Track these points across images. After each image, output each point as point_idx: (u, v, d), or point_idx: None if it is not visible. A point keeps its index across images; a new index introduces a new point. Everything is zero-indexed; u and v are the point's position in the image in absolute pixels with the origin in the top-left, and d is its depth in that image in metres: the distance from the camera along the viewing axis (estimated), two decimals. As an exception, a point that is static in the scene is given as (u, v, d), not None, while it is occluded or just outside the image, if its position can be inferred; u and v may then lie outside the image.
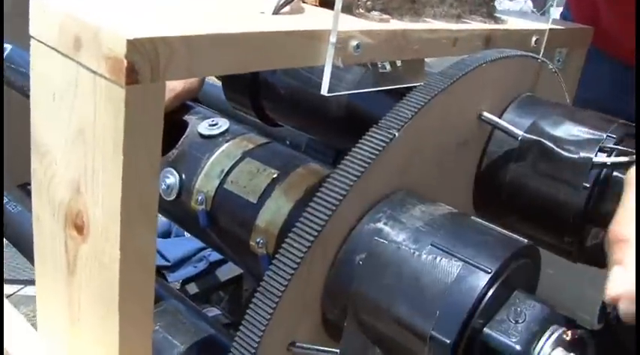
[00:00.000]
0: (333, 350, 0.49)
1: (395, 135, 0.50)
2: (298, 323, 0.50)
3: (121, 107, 0.41)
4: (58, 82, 0.46)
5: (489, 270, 0.45)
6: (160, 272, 1.67)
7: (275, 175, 0.59)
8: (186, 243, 2.19)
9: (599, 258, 0.74)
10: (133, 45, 0.40)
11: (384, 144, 0.49)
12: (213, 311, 1.32)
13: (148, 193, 0.44)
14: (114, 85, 0.41)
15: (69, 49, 0.44)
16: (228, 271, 1.67)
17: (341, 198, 0.47)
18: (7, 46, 0.79)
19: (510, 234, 0.49)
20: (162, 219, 2.44)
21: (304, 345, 0.50)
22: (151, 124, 0.42)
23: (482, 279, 0.44)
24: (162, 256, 1.82)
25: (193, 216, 0.61)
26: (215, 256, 1.73)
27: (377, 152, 0.49)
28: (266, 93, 0.81)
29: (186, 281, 1.68)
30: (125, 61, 0.40)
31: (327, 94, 0.50)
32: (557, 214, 0.59)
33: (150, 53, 0.40)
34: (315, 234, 0.47)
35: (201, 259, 1.79)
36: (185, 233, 2.38)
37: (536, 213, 0.61)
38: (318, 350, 0.50)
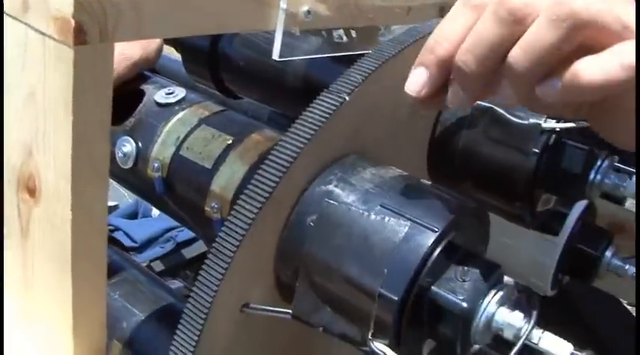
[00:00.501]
0: (286, 310, 0.50)
1: (345, 98, 0.51)
2: (251, 285, 0.51)
3: (70, 68, 0.41)
4: (8, 45, 0.46)
5: (436, 229, 0.46)
6: (127, 253, 1.67)
7: (230, 141, 0.59)
8: (153, 223, 2.18)
9: (551, 225, 0.76)
10: (81, 5, 0.40)
11: (334, 108, 0.50)
12: (176, 284, 1.32)
13: (98, 153, 0.44)
14: (62, 46, 0.41)
15: (17, 11, 0.44)
16: (195, 250, 1.68)
17: (291, 160, 0.48)
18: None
19: (459, 195, 0.50)
20: (128, 200, 2.44)
21: (257, 306, 0.51)
22: (100, 85, 0.43)
23: (430, 238, 0.45)
24: (129, 237, 1.81)
25: (150, 183, 0.61)
26: (182, 236, 1.73)
27: (327, 115, 0.50)
28: (225, 65, 0.81)
29: (152, 260, 1.68)
30: (73, 22, 0.40)
31: (277, 59, 0.51)
32: (508, 179, 0.61)
33: (98, 14, 0.41)
34: (267, 195, 0.47)
35: (168, 240, 1.78)
36: (152, 213, 2.38)
37: (489, 178, 0.62)
38: (270, 310, 0.51)
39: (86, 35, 0.41)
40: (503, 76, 0.43)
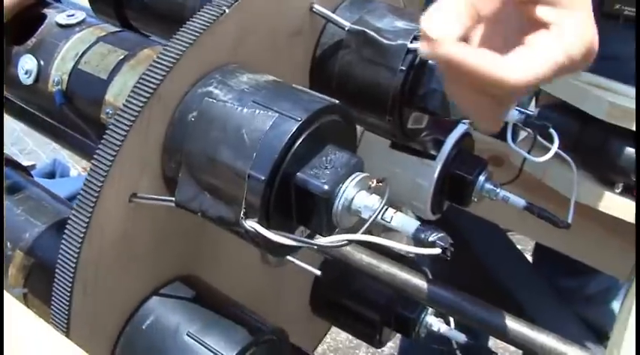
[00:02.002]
0: (170, 198, 0.56)
1: (225, 10, 0.57)
2: (139, 178, 0.56)
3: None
4: None
5: (299, 119, 0.52)
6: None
7: (124, 55, 0.65)
8: (71, 182, 2.21)
9: (430, 151, 0.83)
10: None
11: (214, 18, 0.56)
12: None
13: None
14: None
15: None
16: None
17: (174, 61, 0.54)
18: None
19: (325, 96, 0.57)
20: (45, 161, 2.45)
21: (144, 195, 0.56)
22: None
23: (293, 126, 0.52)
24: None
25: (50, 97, 0.66)
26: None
27: (207, 24, 0.56)
28: (128, 1, 0.85)
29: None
30: None
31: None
32: (379, 96, 0.67)
33: None
34: (151, 91, 0.53)
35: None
36: (70, 173, 2.40)
37: (362, 97, 0.68)
38: (156, 198, 0.56)
39: None
40: None
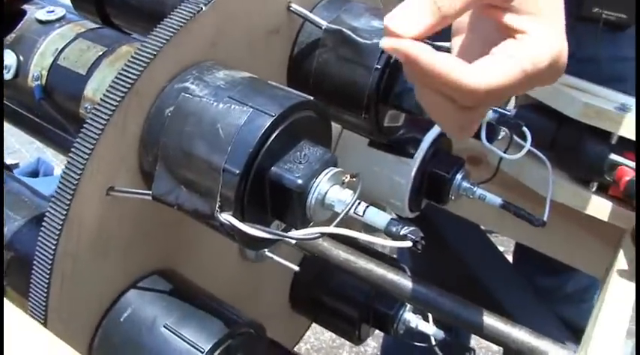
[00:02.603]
0: (147, 192, 0.57)
1: (202, 8, 0.58)
2: (117, 172, 0.57)
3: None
4: None
5: (273, 114, 0.53)
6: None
7: (103, 51, 0.65)
8: (55, 181, 2.21)
9: (407, 149, 0.85)
10: None
11: (191, 15, 0.57)
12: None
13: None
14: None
15: None
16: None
17: (151, 57, 0.55)
18: None
19: (300, 93, 0.58)
20: (29, 159, 2.44)
21: (121, 189, 0.57)
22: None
23: (267, 121, 0.53)
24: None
25: (30, 92, 0.67)
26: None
27: (185, 21, 0.57)
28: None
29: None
30: None
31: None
32: (355, 94, 0.68)
33: None
34: (128, 86, 0.54)
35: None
36: (54, 172, 2.40)
37: (339, 95, 0.69)
38: (133, 192, 0.57)
39: None
40: None
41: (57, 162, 2.43)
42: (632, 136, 0.80)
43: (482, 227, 1.16)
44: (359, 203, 0.55)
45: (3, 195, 0.75)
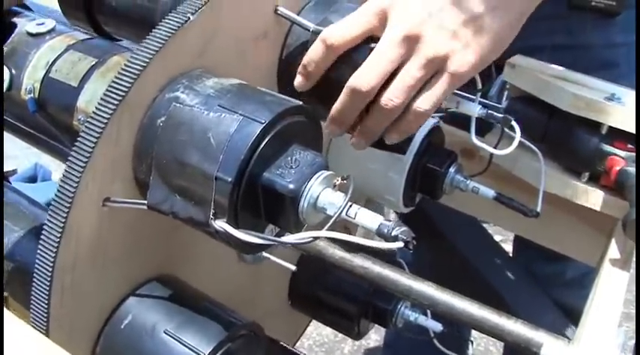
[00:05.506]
0: (142, 202, 0.58)
1: (189, 17, 0.58)
2: (112, 183, 0.58)
3: None
4: None
5: (263, 121, 0.54)
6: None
7: (94, 63, 0.66)
8: (53, 186, 2.21)
9: (401, 145, 0.85)
10: None
11: (179, 25, 0.58)
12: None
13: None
14: None
15: None
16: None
17: (141, 68, 0.55)
18: None
19: (290, 98, 0.58)
20: (27, 165, 2.45)
21: (117, 199, 0.58)
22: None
23: (257, 128, 0.54)
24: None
25: (23, 105, 0.68)
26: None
27: (173, 31, 0.57)
28: (99, 6, 0.86)
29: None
30: None
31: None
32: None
33: None
34: (120, 98, 0.55)
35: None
36: (52, 177, 2.41)
37: (329, 96, 0.70)
38: (128, 202, 0.58)
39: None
40: None
41: (54, 166, 2.43)
42: (622, 126, 0.81)
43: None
44: (350, 205, 0.56)
45: (3, 206, 0.76)
